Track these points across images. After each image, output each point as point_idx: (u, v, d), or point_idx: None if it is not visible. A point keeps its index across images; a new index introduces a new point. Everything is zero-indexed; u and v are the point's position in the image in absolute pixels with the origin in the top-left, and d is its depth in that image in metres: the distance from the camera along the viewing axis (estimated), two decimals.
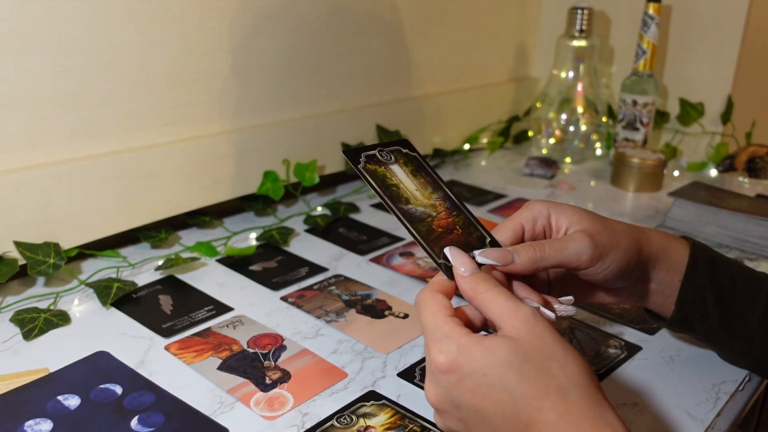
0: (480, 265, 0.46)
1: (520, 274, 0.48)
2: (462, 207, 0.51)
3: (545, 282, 0.55)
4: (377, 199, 0.51)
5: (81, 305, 0.67)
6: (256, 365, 0.58)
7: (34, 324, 0.62)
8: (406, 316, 0.67)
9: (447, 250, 0.46)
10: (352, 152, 0.50)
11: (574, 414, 0.38)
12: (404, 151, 0.52)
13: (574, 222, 0.51)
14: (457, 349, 0.40)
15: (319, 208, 0.94)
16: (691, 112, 1.18)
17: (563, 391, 0.39)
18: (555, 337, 0.40)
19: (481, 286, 0.43)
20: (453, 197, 0.51)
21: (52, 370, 0.56)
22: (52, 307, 0.66)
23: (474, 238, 0.49)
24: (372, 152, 0.51)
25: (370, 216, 0.93)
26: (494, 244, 0.50)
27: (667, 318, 0.56)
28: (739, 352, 0.57)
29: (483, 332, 0.46)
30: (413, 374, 0.58)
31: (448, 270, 0.46)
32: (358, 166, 0.49)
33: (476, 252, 0.47)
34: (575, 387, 0.39)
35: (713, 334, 0.55)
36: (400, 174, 0.50)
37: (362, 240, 0.85)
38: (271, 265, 0.77)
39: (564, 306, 0.48)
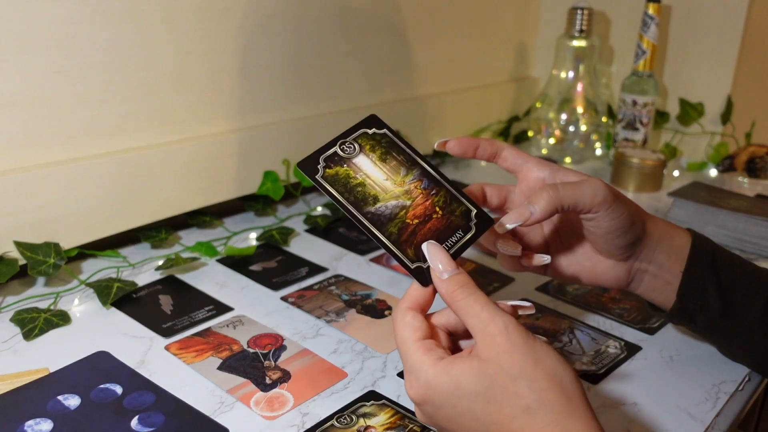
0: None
1: (544, 220, 0.48)
2: (442, 180, 0.48)
3: (544, 244, 0.56)
4: None
5: (81, 305, 0.67)
6: (256, 365, 0.58)
7: (35, 324, 0.62)
8: None
9: (425, 247, 0.44)
10: (307, 162, 0.45)
11: None
12: (371, 132, 0.48)
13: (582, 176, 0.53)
14: (424, 383, 0.41)
15: (319, 208, 0.94)
16: (690, 112, 1.18)
17: (530, 411, 0.39)
18: (526, 349, 0.40)
19: (457, 294, 0.42)
20: (431, 171, 0.48)
21: (52, 370, 0.56)
22: (52, 307, 0.66)
23: (457, 216, 0.47)
24: (332, 150, 0.47)
25: None
26: (481, 216, 0.47)
27: (668, 310, 0.56)
28: (739, 345, 0.57)
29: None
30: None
31: (424, 273, 0.44)
32: (316, 176, 0.45)
33: (496, 225, 0.47)
34: (542, 405, 0.39)
35: (714, 327, 0.56)
36: (365, 166, 0.47)
37: (362, 240, 0.85)
38: (271, 265, 0.77)
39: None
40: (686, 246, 0.55)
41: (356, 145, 0.48)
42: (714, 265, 0.54)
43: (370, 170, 0.46)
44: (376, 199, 0.45)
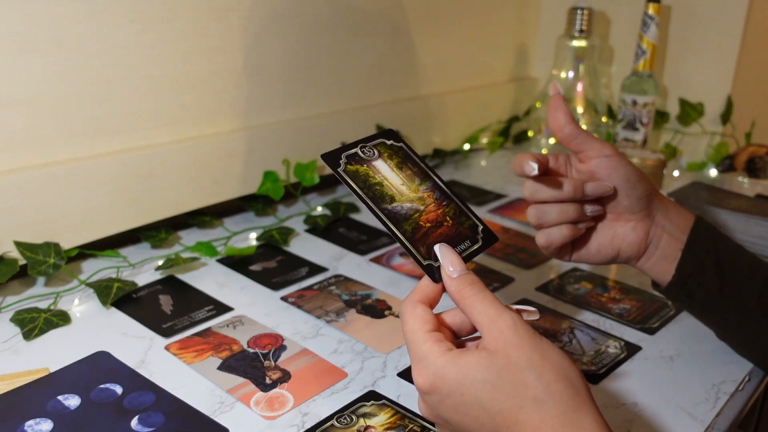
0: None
1: (564, 123, 0.54)
2: (452, 195, 0.50)
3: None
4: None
5: (81, 305, 0.67)
6: (256, 365, 0.58)
7: (35, 324, 0.62)
8: None
9: (437, 248, 0.45)
10: (331, 155, 0.48)
11: (549, 425, 0.38)
12: (389, 143, 0.51)
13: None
14: (433, 372, 0.41)
15: (319, 208, 0.94)
16: (690, 112, 1.18)
17: (538, 402, 0.39)
18: (533, 344, 0.40)
19: (466, 291, 0.43)
20: (442, 186, 0.50)
21: (52, 370, 0.56)
22: (52, 307, 0.66)
23: (466, 227, 0.49)
24: (353, 150, 0.49)
25: (370, 216, 0.93)
26: (487, 232, 0.49)
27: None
28: (735, 326, 0.58)
29: (473, 335, 0.47)
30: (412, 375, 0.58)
31: (434, 271, 0.45)
32: (338, 169, 0.47)
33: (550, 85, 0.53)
34: (550, 396, 0.39)
35: (711, 304, 0.56)
36: (384, 170, 0.49)
37: (362, 240, 0.85)
38: (271, 265, 0.77)
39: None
40: (691, 220, 0.57)
41: (375, 151, 0.50)
42: (713, 245, 0.56)
43: (388, 174, 0.49)
44: (392, 199, 0.47)
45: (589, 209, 0.56)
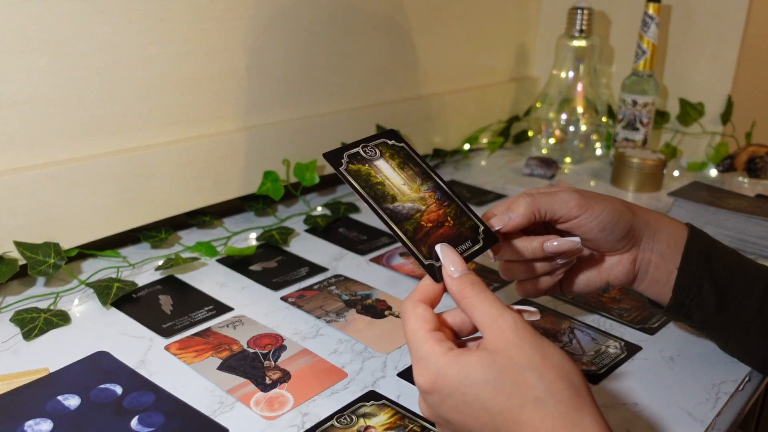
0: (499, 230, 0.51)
1: (524, 225, 0.52)
2: (453, 196, 0.50)
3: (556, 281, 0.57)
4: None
5: (81, 305, 0.67)
6: (256, 365, 0.58)
7: (34, 324, 0.62)
8: None
9: (438, 248, 0.46)
10: (333, 154, 0.48)
11: (550, 425, 0.38)
12: (390, 142, 0.51)
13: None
14: (434, 372, 0.41)
15: (319, 208, 0.94)
16: (691, 112, 1.18)
17: (539, 402, 0.39)
18: (534, 344, 0.40)
19: (467, 291, 0.43)
20: (444, 186, 0.50)
21: (52, 370, 0.56)
22: (52, 307, 0.66)
23: (467, 228, 0.49)
24: (355, 150, 0.49)
25: (370, 216, 0.93)
26: (488, 232, 0.50)
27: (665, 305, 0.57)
28: (736, 341, 0.58)
29: (474, 335, 0.47)
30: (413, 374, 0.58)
31: (436, 271, 0.45)
32: (340, 168, 0.47)
33: (494, 221, 0.51)
34: (551, 396, 0.39)
35: (710, 322, 0.56)
36: (385, 169, 0.49)
37: (362, 240, 0.85)
38: (271, 265, 0.77)
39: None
40: (683, 237, 0.56)
41: (377, 150, 0.50)
42: (709, 260, 0.55)
43: (390, 174, 0.49)
44: (394, 199, 0.47)
45: (559, 261, 0.55)
